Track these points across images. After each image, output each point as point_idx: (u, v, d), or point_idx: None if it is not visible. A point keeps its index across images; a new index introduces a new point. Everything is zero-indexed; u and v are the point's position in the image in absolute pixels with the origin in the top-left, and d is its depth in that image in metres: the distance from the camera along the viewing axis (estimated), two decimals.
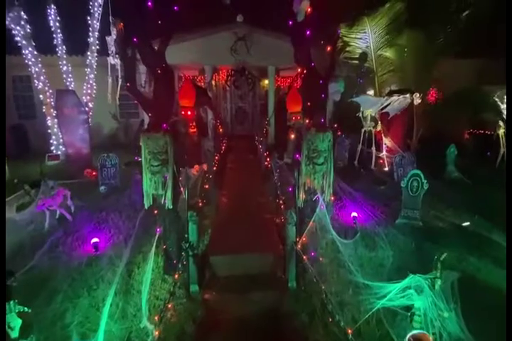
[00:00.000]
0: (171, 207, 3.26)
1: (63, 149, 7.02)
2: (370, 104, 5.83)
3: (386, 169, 6.05)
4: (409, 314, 2.18)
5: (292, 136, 5.83)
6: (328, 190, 3.02)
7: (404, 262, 2.84)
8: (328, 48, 5.14)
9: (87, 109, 7.37)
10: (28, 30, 7.87)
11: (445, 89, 8.27)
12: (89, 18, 8.78)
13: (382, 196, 4.56)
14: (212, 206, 4.37)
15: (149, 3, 4.35)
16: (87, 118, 6.80)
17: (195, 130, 5.60)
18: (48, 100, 7.45)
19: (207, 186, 4.48)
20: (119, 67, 8.18)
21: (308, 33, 4.37)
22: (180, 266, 2.85)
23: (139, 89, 7.06)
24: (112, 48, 8.24)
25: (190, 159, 4.61)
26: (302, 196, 3.06)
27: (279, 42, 8.66)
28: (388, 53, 6.76)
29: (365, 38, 6.70)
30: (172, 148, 3.51)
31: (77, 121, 6.40)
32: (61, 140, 6.98)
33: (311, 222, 2.98)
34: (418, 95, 5.59)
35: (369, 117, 6.07)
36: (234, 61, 8.92)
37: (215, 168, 5.16)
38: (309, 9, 4.33)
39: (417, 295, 2.05)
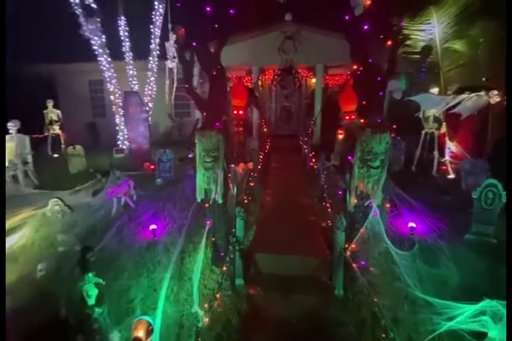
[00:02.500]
0: (220, 201, 3.38)
1: (127, 144, 7.80)
2: (432, 104, 5.14)
3: (451, 176, 5.26)
4: None
5: (340, 137, 5.53)
6: (382, 195, 2.79)
7: (474, 283, 2.48)
8: (389, 42, 4.70)
9: (147, 108, 8.05)
10: (103, 40, 8.89)
11: None
12: (151, 26, 9.52)
13: (446, 207, 4.02)
14: (257, 203, 4.41)
15: (208, 9, 4.54)
16: (148, 117, 7.44)
17: (241, 129, 5.72)
18: (117, 101, 8.33)
19: (252, 184, 4.53)
20: (175, 70, 8.77)
21: (366, 27, 4.07)
22: (227, 258, 2.94)
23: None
24: (170, 53, 8.85)
25: (237, 157, 4.72)
26: (353, 200, 2.88)
27: (329, 39, 8.30)
28: (457, 46, 5.92)
29: (430, 30, 5.99)
30: (223, 145, 3.61)
31: (139, 119, 7.03)
32: (126, 136, 7.78)
33: (362, 229, 2.78)
34: (496, 92, 4.71)
35: (431, 118, 5.36)
36: (281, 61, 8.83)
37: (259, 167, 5.19)
38: (368, 2, 4.03)
39: (493, 324, 1.75)
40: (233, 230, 3.14)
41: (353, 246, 2.76)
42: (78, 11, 8.50)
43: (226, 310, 2.65)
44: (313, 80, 9.39)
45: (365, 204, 2.87)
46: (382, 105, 4.74)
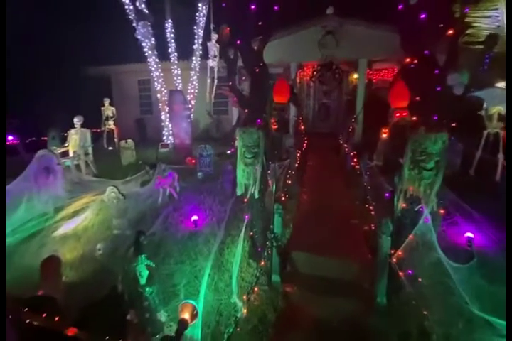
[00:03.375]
0: (257, 196, 3.41)
1: (171, 139, 8.28)
2: (499, 100, 4.50)
3: None
4: None
5: (384, 136, 5.16)
6: (436, 200, 2.55)
7: None
8: (449, 32, 4.23)
9: (190, 106, 8.43)
10: (153, 42, 9.47)
11: None
12: (195, 27, 9.88)
13: None
14: (294, 201, 4.37)
15: (252, 6, 4.56)
16: (190, 114, 7.78)
17: (276, 126, 5.67)
18: (163, 99, 8.86)
19: (289, 182, 4.50)
20: (216, 69, 9.02)
21: (423, 16, 3.71)
22: (265, 254, 2.97)
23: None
24: (212, 52, 9.11)
25: (275, 154, 4.70)
26: (401, 204, 2.67)
27: (374, 32, 7.79)
28: None
29: (496, 16, 5.25)
30: (263, 142, 3.63)
31: (183, 116, 7.40)
32: (170, 131, 8.26)
33: (411, 235, 2.57)
34: None
35: (496, 116, 4.70)
36: (321, 56, 8.54)
37: (296, 165, 5.12)
38: None
39: None
40: (271, 226, 3.16)
41: (400, 253, 2.57)
42: (132, 16, 9.16)
43: (262, 304, 2.68)
44: (355, 76, 8.91)
45: (416, 210, 2.65)
46: (438, 101, 4.28)
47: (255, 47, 4.28)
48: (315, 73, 9.05)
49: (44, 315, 2.24)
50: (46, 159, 4.61)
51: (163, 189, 4.63)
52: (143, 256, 2.53)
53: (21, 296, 2.69)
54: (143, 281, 2.46)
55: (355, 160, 4.87)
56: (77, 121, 6.29)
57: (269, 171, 3.65)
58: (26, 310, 2.31)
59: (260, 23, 4.34)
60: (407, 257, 2.57)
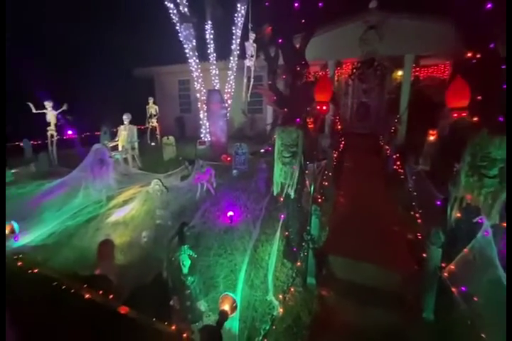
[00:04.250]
0: (293, 196, 3.38)
1: (208, 137, 8.57)
2: None
3: None
4: None
5: (431, 138, 4.74)
6: (499, 211, 2.27)
7: None
8: None
9: (226, 105, 8.61)
10: (194, 43, 9.83)
11: None
12: (233, 27, 10.01)
13: None
14: (330, 204, 4.25)
15: (296, 4, 4.48)
16: (226, 113, 7.96)
17: (312, 126, 5.53)
18: (202, 98, 9.18)
19: (326, 183, 4.38)
20: (252, 69, 9.07)
21: (489, 5, 3.30)
22: (301, 255, 2.93)
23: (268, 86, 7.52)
24: (249, 52, 9.17)
25: (313, 154, 4.61)
26: (456, 214, 2.44)
27: (422, 24, 7.18)
28: None
29: None
30: (302, 141, 3.57)
31: (220, 115, 7.59)
32: (208, 130, 8.55)
33: (466, 249, 2.33)
34: None
35: None
36: (362, 52, 8.12)
37: (333, 166, 4.96)
38: None
39: None
40: (308, 228, 3.10)
41: (452, 267, 2.33)
42: (175, 20, 9.58)
43: (297, 305, 2.65)
44: (400, 73, 8.31)
45: (473, 221, 2.38)
46: (504, 100, 3.78)
47: (297, 46, 4.20)
48: (354, 71, 8.65)
49: (101, 292, 2.49)
50: (100, 152, 5.06)
51: (201, 184, 4.81)
52: (186, 246, 2.66)
53: (79, 274, 3.02)
54: (185, 270, 2.59)
55: (398, 163, 4.55)
56: (125, 118, 6.80)
57: (306, 171, 3.59)
58: (85, 286, 2.59)
59: (303, 21, 4.24)
60: (460, 272, 2.32)
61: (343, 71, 9.42)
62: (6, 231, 3.23)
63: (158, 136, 9.63)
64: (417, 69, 8.48)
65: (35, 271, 2.70)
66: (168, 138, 7.39)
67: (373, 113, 9.16)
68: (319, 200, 3.98)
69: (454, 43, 5.30)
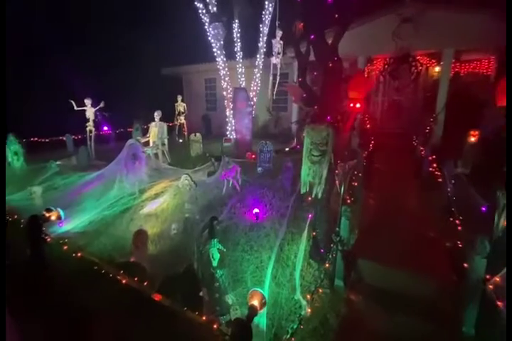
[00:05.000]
0: (321, 196, 3.30)
1: (234, 134, 8.66)
2: None
3: None
4: None
5: (472, 139, 4.36)
6: None
7: None
8: None
9: (252, 103, 8.62)
10: (222, 42, 9.92)
11: None
12: (260, 25, 9.94)
13: None
14: (358, 205, 4.09)
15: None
16: (252, 111, 7.97)
17: (344, 124, 5.34)
18: (228, 96, 9.27)
19: (355, 184, 4.21)
20: (279, 66, 8.98)
21: None
22: (330, 256, 2.85)
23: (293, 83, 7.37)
24: (276, 49, 9.08)
25: (342, 154, 4.46)
26: (504, 223, 2.22)
27: (463, 16, 6.60)
28: None
29: None
30: (332, 140, 3.46)
31: (245, 112, 7.63)
32: (233, 127, 8.63)
33: None
34: None
35: None
36: (395, 48, 7.67)
37: (362, 166, 4.75)
38: None
39: None
40: (337, 229, 3.02)
41: (498, 279, 2.14)
42: (204, 20, 9.71)
43: (324, 307, 2.60)
44: (437, 69, 7.74)
45: None
46: None
47: (330, 41, 4.06)
48: (386, 67, 8.21)
49: (136, 279, 2.61)
50: (134, 147, 5.30)
51: (227, 180, 4.87)
52: (215, 240, 2.71)
53: (116, 260, 3.20)
54: (215, 263, 2.64)
55: (434, 165, 4.25)
56: (156, 115, 7.07)
57: (336, 171, 3.49)
58: (121, 272, 2.74)
59: (337, 16, 4.09)
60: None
61: (374, 67, 8.98)
62: (53, 218, 3.51)
63: (185, 133, 9.91)
64: (457, 64, 7.84)
65: (79, 254, 2.91)
66: (195, 135, 7.58)
67: (406, 112, 8.63)
68: (348, 201, 3.85)
69: (499, 36, 4.81)
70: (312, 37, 4.06)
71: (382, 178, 4.81)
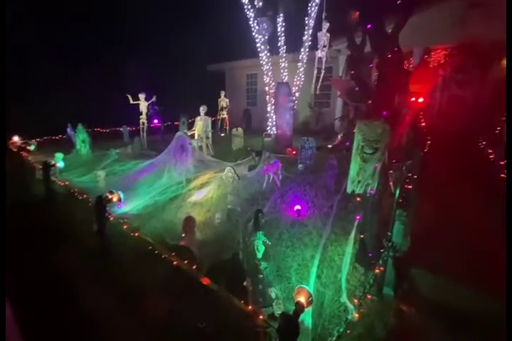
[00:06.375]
0: (374, 197, 3.07)
1: (274, 130, 8.59)
2: None
3: None
4: None
5: None
6: None
7: None
8: None
9: (294, 98, 8.41)
10: (266, 37, 9.78)
11: None
12: (306, 18, 9.53)
13: None
14: (411, 210, 3.72)
15: None
16: (293, 106, 7.78)
17: (403, 120, 4.84)
18: (270, 91, 9.19)
19: (409, 186, 3.83)
20: (324, 60, 8.57)
21: None
22: (379, 262, 2.64)
23: (336, 77, 6.96)
24: (321, 42, 8.65)
25: (398, 153, 4.08)
26: None
27: None
28: None
29: None
30: (387, 137, 3.18)
31: (287, 108, 7.47)
32: (274, 122, 8.56)
33: None
34: None
35: None
36: (458, 37, 6.72)
37: (418, 168, 4.30)
38: None
39: None
40: (388, 233, 2.78)
41: None
42: (249, 15, 9.62)
43: (370, 314, 2.43)
44: None
45: None
46: None
47: (389, 31, 3.70)
48: (447, 59, 7.27)
49: (186, 262, 2.74)
50: (182, 139, 5.56)
51: (268, 175, 4.84)
52: (260, 232, 2.71)
53: (166, 242, 3.41)
54: (259, 255, 2.64)
55: (506, 171, 3.65)
56: (202, 109, 7.31)
57: (391, 171, 3.20)
58: (173, 254, 2.90)
59: (399, 2, 3.68)
60: None
61: (433, 59, 8.02)
62: (114, 199, 3.88)
63: (227, 127, 10.13)
64: None
65: (136, 234, 3.16)
66: (237, 130, 7.68)
67: (470, 109, 7.54)
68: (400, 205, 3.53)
69: None
70: (369, 26, 3.73)
71: (442, 182, 4.29)
